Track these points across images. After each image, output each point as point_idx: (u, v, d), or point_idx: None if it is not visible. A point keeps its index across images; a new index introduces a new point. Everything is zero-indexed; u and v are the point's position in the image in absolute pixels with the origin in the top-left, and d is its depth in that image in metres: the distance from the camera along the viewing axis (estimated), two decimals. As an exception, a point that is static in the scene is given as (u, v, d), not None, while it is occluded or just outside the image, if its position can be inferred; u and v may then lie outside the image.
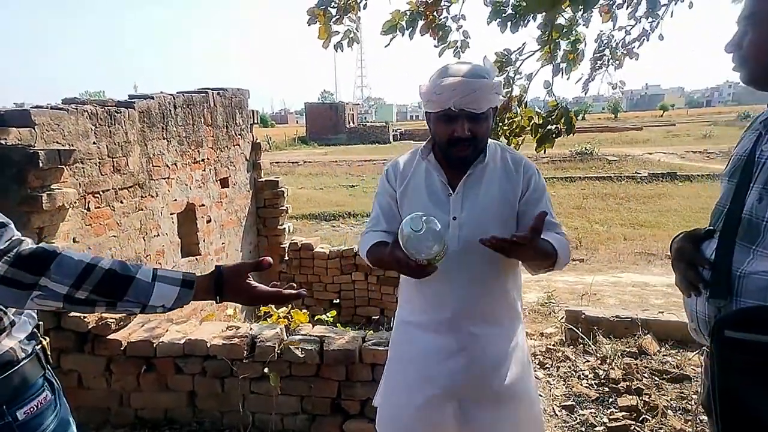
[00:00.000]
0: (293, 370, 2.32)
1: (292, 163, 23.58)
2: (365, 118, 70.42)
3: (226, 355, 2.30)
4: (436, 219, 1.27)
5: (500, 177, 1.47)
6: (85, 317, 2.29)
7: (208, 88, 4.06)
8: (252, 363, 2.31)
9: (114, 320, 2.34)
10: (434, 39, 3.14)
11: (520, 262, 1.49)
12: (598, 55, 3.73)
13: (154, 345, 2.33)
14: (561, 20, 2.67)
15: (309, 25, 3.33)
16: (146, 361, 2.35)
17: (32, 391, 0.99)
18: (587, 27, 3.07)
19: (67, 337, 2.32)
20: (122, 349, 2.33)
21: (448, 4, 2.92)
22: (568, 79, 3.35)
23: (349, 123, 41.09)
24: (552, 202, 1.55)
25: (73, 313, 2.29)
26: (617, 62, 3.71)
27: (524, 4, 2.42)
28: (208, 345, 2.32)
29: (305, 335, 2.40)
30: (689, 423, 2.71)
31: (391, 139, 37.99)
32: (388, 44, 3.17)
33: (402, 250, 1.24)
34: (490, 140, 1.52)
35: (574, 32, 2.83)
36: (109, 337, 2.32)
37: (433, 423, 1.48)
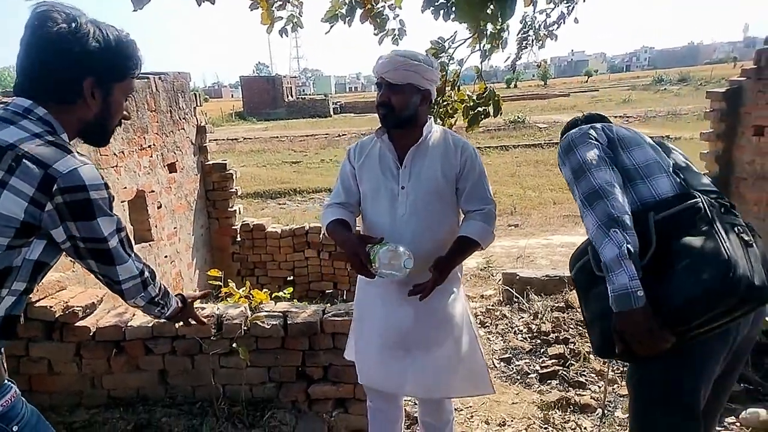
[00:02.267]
0: (260, 344, 2.50)
1: (232, 140, 22.92)
2: (303, 90, 68.88)
3: (194, 333, 2.44)
4: (387, 193, 1.73)
5: (441, 155, 1.76)
6: (51, 307, 2.36)
7: (149, 73, 4.02)
8: (220, 340, 2.47)
9: (81, 308, 2.43)
10: (373, 27, 3.30)
11: (457, 230, 1.80)
12: (523, 35, 4.04)
13: (123, 329, 2.44)
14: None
15: (251, 10, 3.37)
16: (116, 345, 2.45)
17: (4, 388, 1.11)
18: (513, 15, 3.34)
19: (35, 327, 2.38)
20: (91, 334, 2.42)
21: None
22: (488, 61, 3.64)
23: (287, 96, 40.13)
24: (487, 177, 1.85)
25: (39, 303, 2.36)
26: (540, 42, 4.04)
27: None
28: (177, 326, 2.46)
29: (269, 311, 2.59)
30: (605, 364, 3.14)
31: (332, 113, 37.56)
32: (328, 31, 3.29)
33: (362, 249, 1.61)
34: (435, 125, 1.84)
35: (497, 21, 3.09)
36: (77, 324, 2.41)
37: (388, 368, 1.80)
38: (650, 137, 1.61)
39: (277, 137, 23.32)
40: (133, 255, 1.23)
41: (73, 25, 1.05)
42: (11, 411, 1.11)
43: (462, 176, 1.77)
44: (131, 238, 3.62)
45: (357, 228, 1.88)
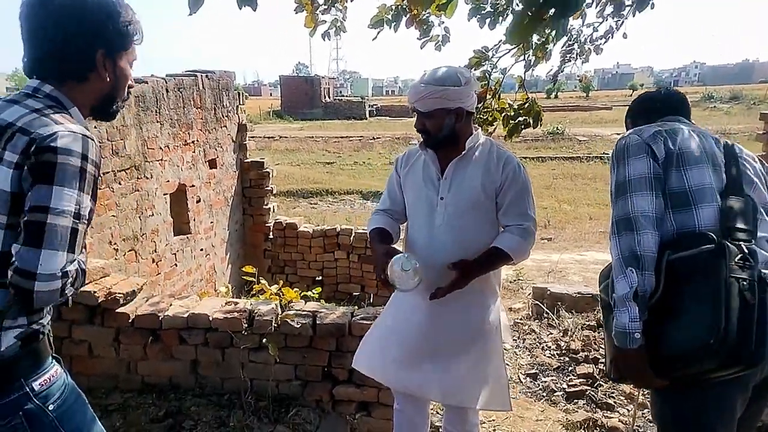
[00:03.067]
0: (288, 342, 2.55)
1: (268, 137, 23.35)
2: (340, 92, 69.60)
3: (226, 327, 2.51)
4: (427, 203, 1.77)
5: (483, 168, 1.77)
6: (94, 292, 2.47)
7: (197, 71, 4.15)
8: (251, 335, 2.53)
9: (122, 294, 2.53)
10: (418, 32, 3.32)
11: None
12: (568, 49, 3.98)
13: (160, 318, 2.52)
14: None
15: (296, 13, 3.44)
16: (152, 333, 2.54)
17: (46, 365, 1.11)
18: (566, 35, 3.29)
19: (79, 310, 2.49)
20: (130, 321, 2.52)
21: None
22: (532, 72, 3.61)
23: (325, 97, 40.62)
24: (532, 194, 1.83)
25: (83, 288, 2.47)
26: (584, 56, 3.98)
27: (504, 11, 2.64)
28: (210, 318, 2.53)
29: (299, 310, 2.63)
30: (635, 387, 3.05)
31: (368, 115, 37.80)
32: (375, 38, 3.33)
33: (384, 262, 1.65)
34: (484, 136, 1.86)
35: (544, 33, 3.06)
36: (117, 310, 2.51)
37: (413, 370, 1.82)
38: (720, 141, 1.50)
39: (312, 137, 23.64)
40: (70, 253, 0.99)
41: None
42: (49, 389, 1.10)
43: (502, 190, 1.75)
44: (170, 230, 3.78)
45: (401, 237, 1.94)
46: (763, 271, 1.27)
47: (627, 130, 1.63)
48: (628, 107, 1.75)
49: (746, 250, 1.27)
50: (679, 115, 1.57)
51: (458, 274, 1.64)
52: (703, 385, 1.31)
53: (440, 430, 2.16)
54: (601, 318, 1.58)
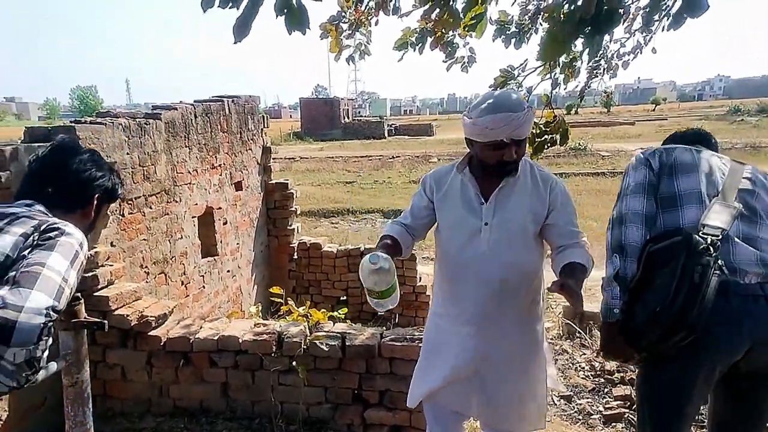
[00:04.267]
0: (318, 364, 2.53)
1: (289, 159, 23.67)
2: (359, 112, 70.41)
3: (256, 349, 2.51)
4: (468, 228, 1.70)
5: (530, 192, 1.71)
6: (127, 315, 2.49)
7: (224, 96, 4.25)
8: (280, 357, 2.52)
9: (154, 318, 2.55)
10: (443, 54, 3.34)
11: (539, 267, 1.76)
12: (595, 64, 3.95)
13: (191, 341, 2.54)
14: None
15: (321, 39, 3.51)
16: (183, 356, 2.56)
17: None
18: (601, 51, 3.27)
19: (112, 334, 2.52)
20: (162, 344, 2.54)
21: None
22: (565, 89, 3.59)
23: (344, 118, 41.13)
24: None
25: (117, 311, 2.50)
26: (611, 72, 3.94)
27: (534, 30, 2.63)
28: (240, 341, 2.53)
29: (328, 332, 2.62)
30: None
31: (386, 135, 38.10)
32: (401, 59, 3.36)
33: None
34: (524, 158, 1.78)
35: (572, 52, 3.05)
36: (149, 333, 2.53)
37: (459, 387, 1.77)
38: (725, 160, 1.68)
39: (332, 157, 23.86)
40: (56, 302, 1.03)
41: (94, 155, 1.36)
42: None
43: (552, 213, 1.71)
44: (198, 253, 3.82)
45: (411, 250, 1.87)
46: (735, 276, 1.43)
47: None
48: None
49: (710, 242, 1.44)
50: (701, 145, 1.76)
51: (568, 295, 1.48)
52: (669, 362, 1.51)
53: None
54: None
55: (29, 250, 1.08)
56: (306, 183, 17.02)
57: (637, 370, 1.73)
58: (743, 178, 1.59)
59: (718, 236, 1.46)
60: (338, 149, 28.58)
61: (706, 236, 1.45)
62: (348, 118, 42.66)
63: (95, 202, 1.34)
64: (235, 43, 1.34)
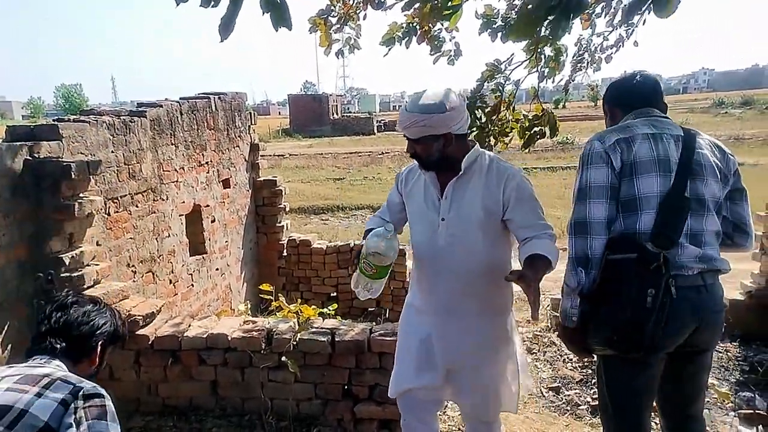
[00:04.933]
0: (307, 360, 2.54)
1: (278, 155, 23.55)
2: (348, 108, 70.18)
3: (245, 346, 2.51)
4: (428, 223, 1.80)
5: (483, 187, 1.76)
6: (115, 315, 2.48)
7: (210, 93, 4.22)
8: (270, 354, 2.52)
9: (141, 317, 2.54)
10: (429, 48, 3.35)
11: (505, 259, 1.82)
12: (579, 58, 3.99)
13: (180, 339, 2.53)
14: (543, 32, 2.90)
15: (310, 33, 3.49)
16: (172, 354, 2.55)
17: None
18: (569, 33, 3.30)
19: (99, 334, 2.50)
20: (150, 343, 2.53)
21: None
22: (553, 83, 3.61)
23: (333, 114, 40.99)
24: (539, 202, 1.81)
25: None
26: (595, 65, 3.98)
27: (511, 23, 2.66)
28: (229, 338, 2.53)
29: (317, 328, 2.62)
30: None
31: (375, 131, 38.02)
32: (387, 54, 3.36)
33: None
34: (484, 151, 1.83)
35: (556, 43, 3.07)
36: (137, 332, 2.52)
37: (427, 387, 1.85)
38: (680, 141, 1.67)
39: (322, 154, 23.78)
40: None
41: (96, 305, 1.45)
42: None
43: (510, 207, 1.73)
44: (186, 251, 3.82)
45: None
46: (679, 271, 1.56)
47: (606, 116, 1.92)
48: (605, 91, 1.91)
49: (661, 260, 1.53)
50: (650, 106, 1.76)
51: (526, 286, 1.52)
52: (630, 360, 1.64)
53: None
54: None
55: (81, 426, 1.15)
56: (295, 180, 16.95)
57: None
58: (694, 164, 1.62)
59: (669, 248, 1.55)
60: (327, 146, 28.49)
61: (658, 251, 1.54)
62: (337, 114, 42.53)
63: (99, 348, 1.43)
64: (221, 41, 1.34)
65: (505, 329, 1.86)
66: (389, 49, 3.25)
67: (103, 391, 1.25)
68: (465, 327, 1.79)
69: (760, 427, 2.56)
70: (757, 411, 2.66)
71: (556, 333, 4.25)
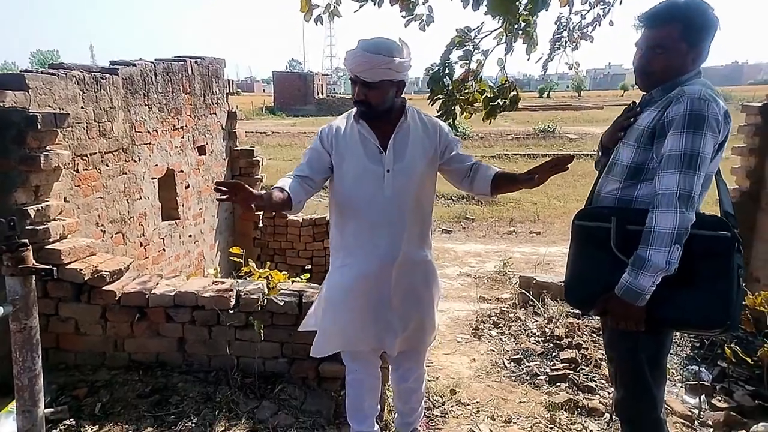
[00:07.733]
0: (275, 320, 2.58)
1: (260, 133, 23.27)
2: (334, 89, 69.36)
3: (213, 305, 2.53)
4: (371, 176, 1.81)
5: (422, 136, 1.86)
6: (81, 270, 2.48)
7: (186, 56, 4.15)
8: (237, 313, 2.55)
9: (108, 273, 2.54)
10: (402, 10, 3.31)
11: (432, 200, 1.98)
12: (557, 36, 4.02)
13: (147, 296, 2.54)
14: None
15: (291, -5, 3.42)
16: (139, 310, 2.56)
17: None
18: (547, 11, 3.31)
19: (65, 288, 2.50)
20: (117, 299, 2.53)
21: None
22: (528, 59, 3.64)
23: (318, 94, 40.53)
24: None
25: (70, 265, 2.48)
26: (574, 44, 4.02)
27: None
28: (197, 296, 2.55)
29: (285, 290, 2.66)
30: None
31: (360, 112, 37.77)
32: (357, 10, 3.29)
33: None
34: (409, 105, 1.89)
35: (525, 17, 3.08)
36: (104, 288, 2.52)
37: (374, 335, 1.96)
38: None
39: (305, 133, 23.57)
40: None
41: None
42: None
43: (447, 149, 1.91)
44: (158, 215, 3.80)
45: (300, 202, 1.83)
46: None
47: (670, 52, 1.59)
48: (690, 15, 1.54)
49: (740, 240, 1.48)
50: None
51: (528, 181, 1.87)
52: (657, 333, 1.60)
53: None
54: (570, 244, 1.77)
55: None
56: (277, 158, 16.81)
57: (612, 333, 1.73)
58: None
59: (736, 229, 1.50)
60: (311, 125, 28.21)
61: (736, 230, 1.49)
62: (322, 93, 42.07)
63: None
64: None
65: (434, 265, 2.02)
66: (360, 6, 3.19)
67: None
68: (410, 269, 1.90)
69: (703, 396, 2.71)
70: (701, 382, 2.80)
71: (523, 309, 4.36)
